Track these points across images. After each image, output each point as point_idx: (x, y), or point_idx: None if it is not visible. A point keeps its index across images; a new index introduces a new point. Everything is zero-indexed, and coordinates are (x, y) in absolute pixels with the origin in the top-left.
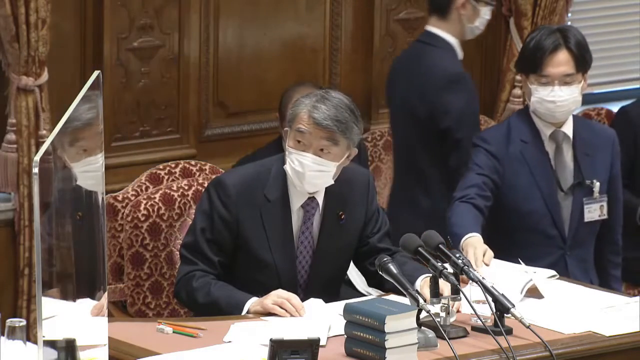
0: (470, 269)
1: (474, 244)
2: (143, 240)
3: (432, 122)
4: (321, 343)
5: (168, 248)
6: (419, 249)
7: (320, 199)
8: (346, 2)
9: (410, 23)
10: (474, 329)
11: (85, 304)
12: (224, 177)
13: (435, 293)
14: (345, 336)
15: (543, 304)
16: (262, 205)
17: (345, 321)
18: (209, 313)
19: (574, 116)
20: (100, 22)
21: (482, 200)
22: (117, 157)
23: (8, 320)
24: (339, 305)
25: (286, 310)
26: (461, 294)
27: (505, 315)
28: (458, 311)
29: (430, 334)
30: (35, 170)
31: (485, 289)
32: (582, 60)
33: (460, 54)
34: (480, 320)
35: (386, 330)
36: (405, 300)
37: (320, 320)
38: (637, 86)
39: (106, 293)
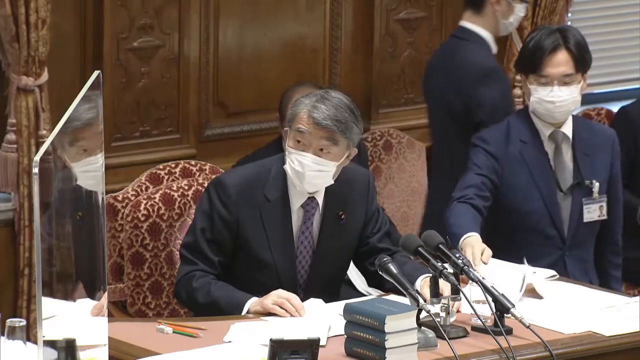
0: (470, 269)
1: (472, 244)
2: (143, 240)
3: (468, 115)
4: (321, 343)
5: (168, 248)
6: (419, 249)
7: (320, 199)
8: (346, 2)
9: (410, 23)
10: (474, 329)
11: (85, 304)
12: (224, 177)
13: (435, 293)
14: (345, 336)
15: (543, 304)
16: (262, 205)
17: (345, 321)
18: (209, 313)
19: (573, 116)
20: (100, 22)
21: (481, 201)
22: (117, 157)
23: (8, 320)
24: (339, 305)
25: (286, 310)
26: (461, 294)
27: (505, 315)
28: (458, 311)
29: (430, 334)
30: (35, 170)
31: (485, 289)
32: (582, 61)
33: (494, 48)
34: (480, 320)
35: (386, 330)
36: (405, 300)
37: (320, 320)
38: (637, 86)
39: (106, 293)
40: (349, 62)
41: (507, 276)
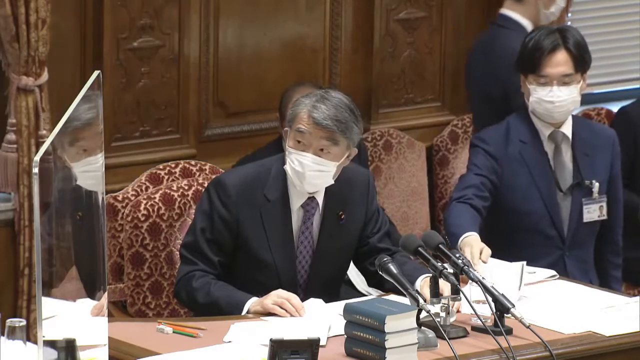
0: (470, 269)
1: (470, 243)
2: (143, 240)
3: (506, 102)
4: (321, 343)
5: (168, 248)
6: (419, 249)
7: (320, 199)
8: (346, 2)
9: (410, 23)
10: (474, 329)
11: (85, 304)
12: (224, 177)
13: (435, 293)
14: (345, 336)
15: (543, 304)
16: (262, 205)
17: (345, 321)
18: (209, 313)
19: (573, 116)
20: (100, 22)
21: (480, 201)
22: (117, 157)
23: (8, 320)
24: (339, 305)
25: (286, 310)
26: (461, 294)
27: (505, 315)
28: (458, 311)
29: (430, 334)
30: (35, 170)
31: (485, 289)
32: (581, 61)
33: None
34: (480, 320)
35: (386, 330)
36: (405, 300)
37: (320, 320)
38: (637, 86)
39: (106, 293)
40: (349, 62)
41: (505, 275)
